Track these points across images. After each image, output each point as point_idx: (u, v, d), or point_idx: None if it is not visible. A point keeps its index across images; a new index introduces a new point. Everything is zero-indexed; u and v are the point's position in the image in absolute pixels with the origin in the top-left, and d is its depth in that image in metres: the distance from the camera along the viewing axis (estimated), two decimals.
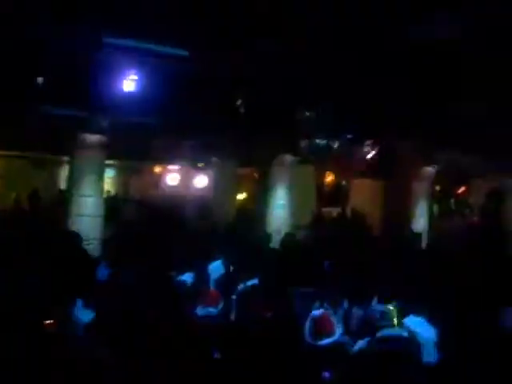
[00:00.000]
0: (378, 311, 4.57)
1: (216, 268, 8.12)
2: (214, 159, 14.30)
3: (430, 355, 4.38)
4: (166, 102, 10.23)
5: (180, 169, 17.87)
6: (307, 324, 5.23)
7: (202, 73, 10.14)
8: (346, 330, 5.43)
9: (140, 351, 4.31)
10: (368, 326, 4.93)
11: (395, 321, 4.52)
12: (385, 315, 4.52)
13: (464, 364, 4.55)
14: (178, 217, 14.39)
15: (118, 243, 9.63)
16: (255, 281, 6.87)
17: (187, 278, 7.53)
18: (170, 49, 9.57)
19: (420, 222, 14.50)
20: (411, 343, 4.37)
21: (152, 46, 9.23)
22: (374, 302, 4.90)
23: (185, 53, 9.66)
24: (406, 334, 4.43)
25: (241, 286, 6.81)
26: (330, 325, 5.20)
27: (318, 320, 5.22)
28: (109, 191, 16.65)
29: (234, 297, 6.60)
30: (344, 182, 17.10)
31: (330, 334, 5.12)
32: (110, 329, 4.66)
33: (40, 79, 8.86)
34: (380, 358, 4.16)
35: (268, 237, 11.31)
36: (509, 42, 8.19)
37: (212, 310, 6.04)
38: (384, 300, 4.62)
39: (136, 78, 8.96)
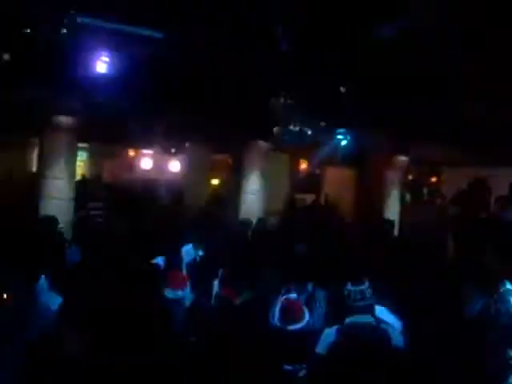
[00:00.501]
0: (351, 291, 4.55)
1: (188, 252, 8.13)
2: (187, 144, 14.23)
3: (397, 343, 4.39)
4: (138, 84, 10.11)
5: (153, 153, 17.79)
6: (276, 308, 5.24)
7: (177, 55, 10.04)
8: (310, 314, 5.44)
9: (110, 337, 4.26)
10: (337, 308, 4.96)
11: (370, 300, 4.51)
12: (357, 295, 4.51)
13: (429, 354, 4.58)
14: (148, 201, 14.30)
15: (87, 227, 9.56)
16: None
17: (160, 261, 7.53)
18: (143, 30, 9.44)
19: (392, 210, 14.62)
20: (380, 331, 4.37)
21: (125, 27, 9.08)
22: (348, 284, 4.87)
23: (159, 34, 9.54)
24: (373, 321, 4.42)
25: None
26: (299, 310, 5.21)
27: (287, 305, 5.23)
28: (83, 174, 16.51)
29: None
30: (317, 170, 17.17)
31: (299, 319, 5.13)
32: (78, 314, 4.59)
33: (7, 57, 8.66)
34: (350, 352, 4.17)
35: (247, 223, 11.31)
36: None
37: (180, 293, 6.01)
38: (356, 282, 4.58)
39: (108, 59, 8.82)
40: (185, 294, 6.10)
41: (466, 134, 12.52)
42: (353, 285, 4.50)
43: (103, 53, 8.84)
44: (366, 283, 4.53)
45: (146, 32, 9.38)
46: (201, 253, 8.27)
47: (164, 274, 6.46)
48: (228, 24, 9.26)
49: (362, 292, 4.48)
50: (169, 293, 5.96)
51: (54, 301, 5.13)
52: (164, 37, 9.48)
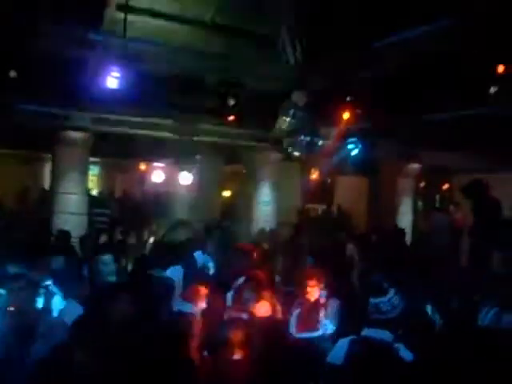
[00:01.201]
0: (372, 304, 4.51)
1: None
2: (198, 157, 14.25)
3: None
4: (149, 99, 10.18)
5: (165, 166, 17.83)
6: (292, 317, 5.24)
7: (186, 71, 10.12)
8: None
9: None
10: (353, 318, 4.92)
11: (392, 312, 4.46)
12: (378, 308, 4.47)
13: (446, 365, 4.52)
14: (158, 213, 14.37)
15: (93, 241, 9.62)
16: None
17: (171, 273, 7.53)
18: (153, 47, 9.54)
19: (405, 219, 14.56)
20: (391, 350, 4.31)
21: (136, 43, 9.18)
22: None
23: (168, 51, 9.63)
24: (389, 337, 4.35)
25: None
26: (312, 320, 5.20)
27: (301, 314, 5.23)
28: (92, 189, 16.58)
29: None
30: (329, 179, 17.14)
31: (313, 329, 5.12)
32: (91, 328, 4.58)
33: (16, 75, 8.78)
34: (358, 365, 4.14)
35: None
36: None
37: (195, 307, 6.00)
38: (377, 293, 4.54)
39: (118, 75, 8.88)
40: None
41: (477, 140, 12.48)
42: (373, 297, 4.46)
43: (114, 68, 8.89)
44: (391, 293, 4.48)
45: (156, 49, 9.50)
46: (210, 262, 8.26)
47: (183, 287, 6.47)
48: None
49: (383, 304, 4.43)
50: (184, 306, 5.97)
51: (73, 311, 5.15)
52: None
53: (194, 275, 7.32)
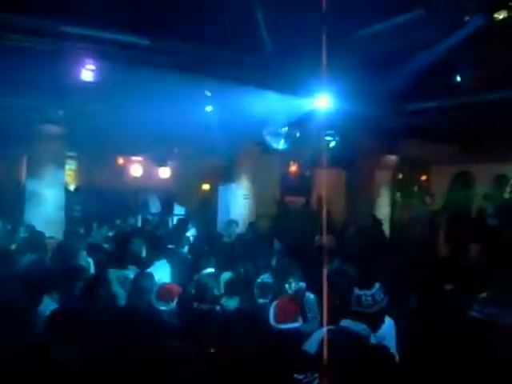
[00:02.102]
0: (355, 295, 4.52)
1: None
2: (176, 150, 14.19)
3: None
4: (126, 92, 10.07)
5: (143, 160, 17.76)
6: (272, 307, 5.22)
7: (165, 62, 10.00)
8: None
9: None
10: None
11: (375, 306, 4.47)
12: (359, 300, 4.48)
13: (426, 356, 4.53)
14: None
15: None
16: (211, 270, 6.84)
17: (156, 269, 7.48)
18: (129, 37, 9.39)
19: (383, 210, 14.63)
20: (366, 343, 4.32)
21: (110, 35, 9.04)
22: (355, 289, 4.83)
23: (146, 42, 9.49)
24: (364, 330, 4.37)
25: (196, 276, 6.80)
26: (292, 310, 5.18)
27: (280, 304, 5.20)
28: (70, 184, 16.43)
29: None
30: (308, 172, 17.17)
31: (292, 319, 5.09)
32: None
33: None
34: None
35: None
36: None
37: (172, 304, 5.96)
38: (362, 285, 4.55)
39: (94, 67, 8.77)
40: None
41: (454, 131, 12.58)
42: (358, 288, 4.48)
43: (88, 61, 8.78)
44: (376, 287, 4.49)
45: (132, 39, 9.35)
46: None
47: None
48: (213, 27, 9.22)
49: (365, 297, 4.44)
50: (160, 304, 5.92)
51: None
52: (151, 43, 9.45)
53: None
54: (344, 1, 7.90)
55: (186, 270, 7.69)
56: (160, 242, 9.19)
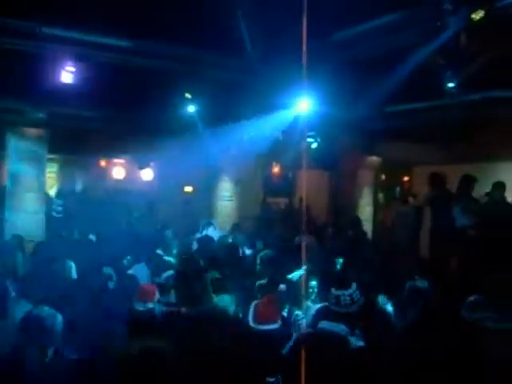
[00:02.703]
0: (333, 295, 4.55)
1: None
2: (157, 152, 14.12)
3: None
4: (106, 94, 10.05)
5: (126, 162, 17.67)
6: (251, 309, 5.21)
7: (145, 64, 9.98)
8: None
9: None
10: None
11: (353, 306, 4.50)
12: (338, 300, 4.50)
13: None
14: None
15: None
16: None
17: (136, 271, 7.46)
18: (110, 39, 9.37)
19: (366, 211, 14.68)
20: (345, 343, 4.33)
21: (91, 37, 9.02)
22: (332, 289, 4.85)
23: (127, 43, 9.47)
24: (342, 330, 4.38)
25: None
26: (272, 311, 5.17)
27: (260, 305, 5.19)
28: (51, 186, 16.29)
29: None
30: (290, 173, 17.17)
31: (271, 320, 5.09)
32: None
33: None
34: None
35: None
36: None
37: (150, 305, 5.93)
38: (340, 285, 4.58)
39: (73, 69, 8.73)
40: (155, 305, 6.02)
41: (435, 132, 12.66)
42: (335, 289, 4.50)
43: (68, 63, 8.74)
44: (353, 287, 4.52)
45: (113, 41, 9.33)
46: None
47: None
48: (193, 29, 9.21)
49: (343, 297, 4.46)
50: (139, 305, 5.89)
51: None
52: (131, 45, 9.43)
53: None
54: (323, 4, 7.94)
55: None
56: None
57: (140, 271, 7.44)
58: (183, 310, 5.24)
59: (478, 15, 6.33)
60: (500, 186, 9.33)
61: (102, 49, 9.20)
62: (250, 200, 14.29)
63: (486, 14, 6.32)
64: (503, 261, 8.02)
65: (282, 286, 6.31)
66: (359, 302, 4.52)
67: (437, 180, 9.75)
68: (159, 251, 8.78)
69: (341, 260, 8.63)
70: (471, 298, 5.10)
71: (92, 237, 11.06)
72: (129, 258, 8.25)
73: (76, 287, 6.35)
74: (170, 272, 6.82)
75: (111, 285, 6.72)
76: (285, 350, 4.47)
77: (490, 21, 6.75)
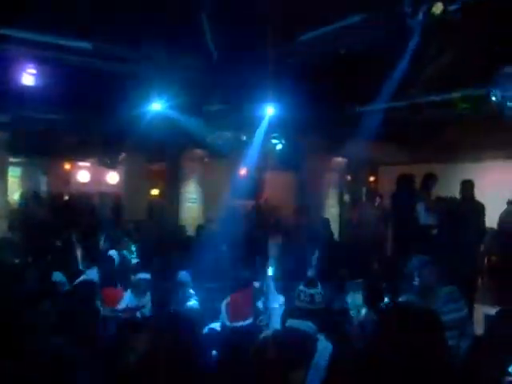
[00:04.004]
0: (307, 294, 4.56)
1: None
2: (122, 155, 14.01)
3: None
4: (68, 96, 9.92)
5: (90, 166, 17.50)
6: (223, 306, 5.21)
7: (107, 67, 9.88)
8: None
9: None
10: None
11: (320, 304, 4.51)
12: (306, 297, 4.51)
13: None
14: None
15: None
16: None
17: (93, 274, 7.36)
18: (71, 41, 9.25)
19: (332, 211, 14.76)
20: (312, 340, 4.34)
21: (51, 39, 8.88)
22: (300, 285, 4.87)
23: (88, 45, 9.36)
24: (310, 328, 4.39)
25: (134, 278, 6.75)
26: (246, 309, 5.18)
27: (232, 302, 5.20)
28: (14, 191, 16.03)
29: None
30: (257, 175, 17.17)
31: (244, 317, 5.10)
32: None
33: None
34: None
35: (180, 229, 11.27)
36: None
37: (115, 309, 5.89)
38: (309, 284, 4.59)
39: (35, 71, 8.60)
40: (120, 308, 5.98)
41: (400, 133, 12.79)
42: (305, 286, 4.51)
43: (29, 65, 8.61)
44: (319, 287, 4.54)
45: (73, 43, 9.21)
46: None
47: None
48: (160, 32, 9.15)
49: (311, 295, 4.48)
50: (105, 310, 5.85)
51: None
52: (93, 47, 9.32)
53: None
54: (285, 6, 7.97)
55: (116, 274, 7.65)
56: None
57: (92, 275, 7.36)
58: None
59: (437, 9, 6.32)
60: (468, 184, 9.48)
61: (63, 51, 9.07)
62: (216, 202, 14.25)
63: (444, 8, 6.31)
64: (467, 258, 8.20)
65: (254, 283, 6.31)
66: (325, 298, 4.55)
67: (403, 180, 9.84)
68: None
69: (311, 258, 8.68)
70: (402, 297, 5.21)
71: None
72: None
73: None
74: (143, 275, 6.81)
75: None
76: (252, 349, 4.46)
77: (451, 19, 6.83)
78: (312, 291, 4.57)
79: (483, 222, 9.25)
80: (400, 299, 5.22)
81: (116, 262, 8.16)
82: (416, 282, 5.03)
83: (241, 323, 5.03)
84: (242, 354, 4.45)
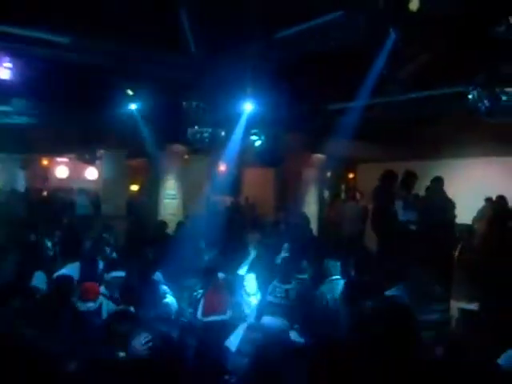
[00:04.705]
0: (282, 289, 4.59)
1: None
2: (101, 151, 13.91)
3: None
4: (45, 91, 9.84)
5: (69, 161, 17.38)
6: (200, 301, 5.23)
7: (84, 61, 9.80)
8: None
9: None
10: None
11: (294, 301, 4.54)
12: (281, 293, 4.55)
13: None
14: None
15: None
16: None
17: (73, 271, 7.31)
18: (47, 35, 9.16)
19: (311, 208, 14.79)
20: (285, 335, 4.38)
21: (28, 32, 8.79)
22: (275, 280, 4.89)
23: (65, 40, 9.28)
24: (283, 324, 4.43)
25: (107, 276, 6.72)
26: (220, 303, 5.21)
27: (207, 298, 5.22)
28: None
29: None
30: (236, 171, 17.16)
31: (219, 312, 5.12)
32: None
33: None
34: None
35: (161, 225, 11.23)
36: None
37: (91, 304, 5.85)
38: (283, 280, 4.61)
39: (11, 65, 8.50)
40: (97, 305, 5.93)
41: (379, 130, 12.84)
42: (280, 282, 4.54)
43: (5, 58, 8.51)
44: (293, 283, 4.57)
45: (50, 37, 9.13)
46: None
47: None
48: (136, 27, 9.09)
49: (286, 291, 4.52)
50: (81, 305, 5.82)
51: None
52: (70, 41, 9.24)
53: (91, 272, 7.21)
54: (263, 4, 7.97)
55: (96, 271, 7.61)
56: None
57: (73, 270, 7.31)
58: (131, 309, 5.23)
59: (414, 6, 6.35)
60: (437, 180, 9.66)
61: (39, 45, 8.98)
62: (195, 198, 14.22)
63: (421, 4, 6.33)
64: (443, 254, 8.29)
65: (221, 275, 6.28)
66: (299, 295, 4.58)
67: (386, 177, 9.92)
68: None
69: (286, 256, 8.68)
70: (387, 293, 5.26)
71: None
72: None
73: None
74: (117, 273, 6.76)
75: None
76: (227, 343, 4.50)
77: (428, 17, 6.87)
78: (287, 287, 4.60)
79: (453, 217, 9.47)
80: (387, 293, 5.28)
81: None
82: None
83: (213, 318, 5.05)
84: (214, 346, 4.50)
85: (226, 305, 5.28)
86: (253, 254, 8.36)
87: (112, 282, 6.49)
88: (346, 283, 6.42)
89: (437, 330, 4.86)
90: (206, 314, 5.09)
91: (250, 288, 6.04)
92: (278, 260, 7.48)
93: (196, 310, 5.37)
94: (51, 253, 8.61)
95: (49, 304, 5.81)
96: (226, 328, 4.94)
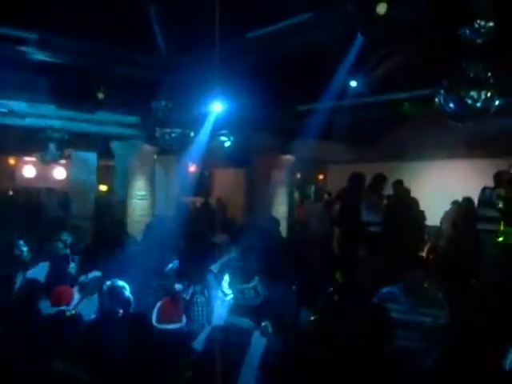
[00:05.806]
0: (239, 290, 4.59)
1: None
2: (70, 151, 13.77)
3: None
4: (14, 88, 9.74)
5: (36, 160, 17.17)
6: (156, 308, 5.22)
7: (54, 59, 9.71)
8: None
9: None
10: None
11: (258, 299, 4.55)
12: (243, 294, 4.55)
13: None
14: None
15: None
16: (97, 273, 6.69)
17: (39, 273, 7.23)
18: (16, 31, 9.05)
19: (280, 209, 14.81)
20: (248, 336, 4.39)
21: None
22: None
23: (34, 36, 9.18)
24: (247, 324, 4.45)
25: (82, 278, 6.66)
26: (174, 311, 5.21)
27: (163, 305, 5.21)
28: None
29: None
30: (206, 172, 17.16)
31: (174, 320, 5.12)
32: None
33: None
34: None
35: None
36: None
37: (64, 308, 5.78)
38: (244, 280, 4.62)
39: None
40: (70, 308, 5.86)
41: (348, 132, 12.95)
42: (240, 283, 4.55)
43: None
44: (255, 280, 4.56)
45: (19, 33, 9.03)
46: None
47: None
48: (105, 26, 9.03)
49: (247, 290, 4.51)
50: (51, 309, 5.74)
51: None
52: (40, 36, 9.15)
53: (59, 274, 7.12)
54: (237, 2, 7.97)
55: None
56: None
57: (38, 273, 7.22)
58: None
59: (381, 9, 6.40)
60: (398, 183, 10.18)
61: (7, 40, 8.88)
62: (165, 199, 14.17)
63: (388, 7, 6.38)
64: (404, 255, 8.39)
65: (178, 286, 6.25)
66: (262, 294, 4.58)
67: (354, 179, 10.02)
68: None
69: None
70: (384, 290, 5.35)
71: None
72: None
73: None
74: (97, 273, 6.69)
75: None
76: (193, 344, 4.51)
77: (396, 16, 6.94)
78: (243, 287, 4.60)
79: (419, 216, 9.69)
80: (383, 290, 5.39)
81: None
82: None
83: (168, 326, 5.08)
84: (167, 353, 4.52)
85: (180, 313, 5.31)
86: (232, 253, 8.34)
87: (90, 283, 6.44)
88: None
89: (428, 335, 4.95)
90: (161, 321, 5.10)
91: (227, 288, 6.07)
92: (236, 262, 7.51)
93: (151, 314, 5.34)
94: (26, 253, 8.44)
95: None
96: (178, 337, 5.00)
